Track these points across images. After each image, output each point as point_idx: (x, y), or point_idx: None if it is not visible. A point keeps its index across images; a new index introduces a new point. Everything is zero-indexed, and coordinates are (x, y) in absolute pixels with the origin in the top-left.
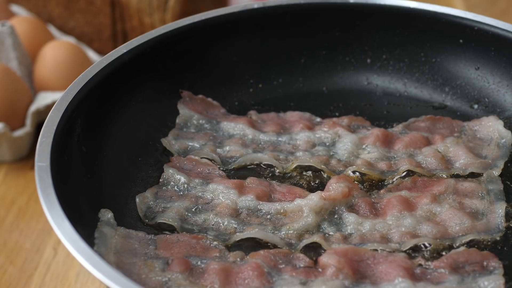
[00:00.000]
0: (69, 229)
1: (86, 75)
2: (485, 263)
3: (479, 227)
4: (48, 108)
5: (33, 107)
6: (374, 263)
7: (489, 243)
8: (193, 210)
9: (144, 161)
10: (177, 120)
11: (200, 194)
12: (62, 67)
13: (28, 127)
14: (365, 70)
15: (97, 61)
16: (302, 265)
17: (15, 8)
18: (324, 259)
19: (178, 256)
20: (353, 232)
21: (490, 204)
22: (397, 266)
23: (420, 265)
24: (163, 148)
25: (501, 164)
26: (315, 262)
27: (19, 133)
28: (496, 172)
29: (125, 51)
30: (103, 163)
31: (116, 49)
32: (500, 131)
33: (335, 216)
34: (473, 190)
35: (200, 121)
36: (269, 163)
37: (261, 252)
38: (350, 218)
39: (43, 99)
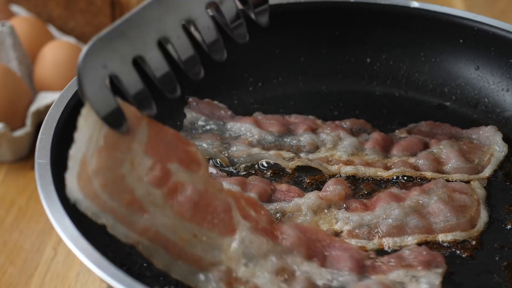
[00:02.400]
0: (69, 226)
1: None
2: (431, 262)
3: (463, 226)
4: (48, 108)
5: (33, 107)
6: (329, 247)
7: (467, 243)
8: None
9: None
10: (184, 123)
11: None
12: (62, 67)
13: (28, 127)
14: (364, 69)
15: None
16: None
17: (15, 8)
18: (286, 229)
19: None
20: (343, 228)
21: (477, 204)
22: (349, 256)
23: (371, 258)
24: None
25: (488, 173)
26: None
27: (19, 133)
28: (483, 181)
29: None
30: None
31: None
32: (498, 143)
33: (328, 214)
34: (463, 188)
35: (207, 122)
36: (276, 162)
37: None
38: (340, 214)
39: (43, 99)
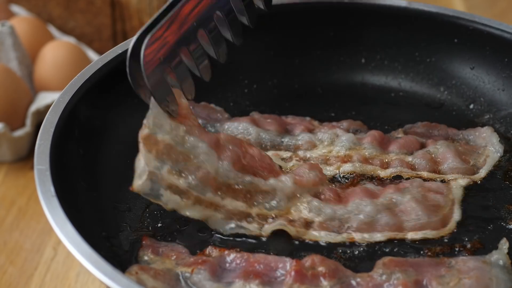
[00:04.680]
0: (71, 231)
1: (81, 77)
2: None
3: (434, 224)
4: (48, 108)
5: (33, 107)
6: None
7: (437, 243)
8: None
9: None
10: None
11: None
12: (62, 67)
13: (28, 127)
14: (359, 69)
15: (93, 62)
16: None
17: (15, 8)
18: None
19: None
20: (314, 218)
21: (452, 204)
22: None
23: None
24: None
25: (484, 174)
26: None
27: (19, 133)
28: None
29: (120, 51)
30: (101, 165)
31: (112, 49)
32: (494, 144)
33: (302, 202)
34: (439, 187)
35: (205, 126)
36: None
37: None
38: (314, 204)
39: (43, 99)
